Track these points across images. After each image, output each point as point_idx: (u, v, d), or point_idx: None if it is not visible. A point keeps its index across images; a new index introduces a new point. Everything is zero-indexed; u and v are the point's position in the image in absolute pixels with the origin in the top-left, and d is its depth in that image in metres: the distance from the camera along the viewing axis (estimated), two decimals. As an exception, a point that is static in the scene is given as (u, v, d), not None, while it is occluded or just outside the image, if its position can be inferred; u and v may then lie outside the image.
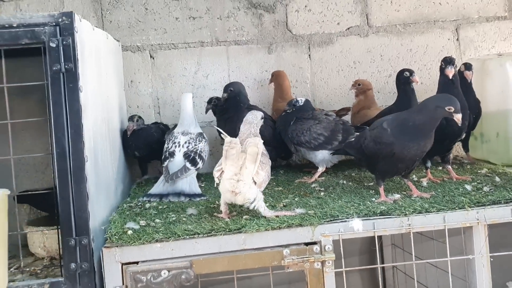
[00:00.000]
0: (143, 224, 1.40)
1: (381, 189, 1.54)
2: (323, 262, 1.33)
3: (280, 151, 2.04)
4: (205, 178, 1.95)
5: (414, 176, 1.78)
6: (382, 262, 2.10)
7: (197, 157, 1.74)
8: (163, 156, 1.78)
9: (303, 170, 2.02)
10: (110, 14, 2.15)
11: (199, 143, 1.79)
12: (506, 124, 1.89)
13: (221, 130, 1.32)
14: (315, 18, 2.24)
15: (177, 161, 1.74)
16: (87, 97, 1.36)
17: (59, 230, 1.29)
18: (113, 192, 1.67)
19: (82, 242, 1.28)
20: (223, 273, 1.35)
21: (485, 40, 2.32)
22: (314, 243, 1.34)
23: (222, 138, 1.74)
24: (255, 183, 1.35)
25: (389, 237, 2.12)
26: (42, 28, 1.29)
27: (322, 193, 1.64)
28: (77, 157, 1.29)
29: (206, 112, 2.02)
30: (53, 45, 1.29)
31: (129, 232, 1.33)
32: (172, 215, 1.48)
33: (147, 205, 1.62)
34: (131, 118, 1.94)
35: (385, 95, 2.26)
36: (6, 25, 1.28)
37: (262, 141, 1.36)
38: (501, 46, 2.32)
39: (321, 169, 1.86)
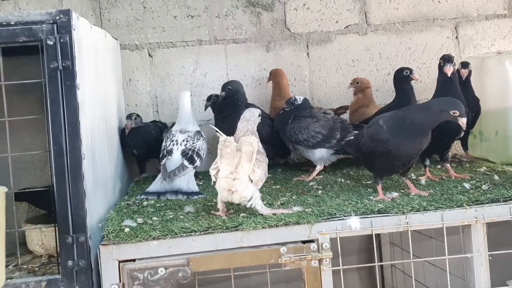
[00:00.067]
0: (140, 222, 1.40)
1: (379, 187, 1.54)
2: (320, 260, 1.33)
3: (278, 150, 2.03)
4: (203, 176, 1.95)
5: (412, 174, 1.78)
6: (381, 261, 2.10)
7: (194, 155, 1.74)
8: (161, 154, 1.78)
9: (301, 169, 2.02)
10: (109, 13, 2.15)
11: (197, 141, 1.79)
12: (505, 122, 1.89)
13: (216, 129, 1.32)
14: (313, 16, 2.23)
15: (175, 159, 1.74)
16: (85, 95, 1.36)
17: (56, 227, 1.29)
18: (111, 190, 1.67)
19: (79, 239, 1.28)
20: (220, 271, 1.35)
21: (484, 38, 2.31)
22: (312, 241, 1.34)
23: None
24: (252, 181, 1.35)
25: (388, 235, 2.12)
26: (39, 26, 1.29)
27: (319, 191, 1.63)
28: (74, 154, 1.29)
29: (205, 109, 2.02)
30: (50, 43, 1.29)
31: (126, 229, 1.33)
32: (170, 213, 1.48)
33: (145, 203, 1.62)
34: (129, 116, 1.94)
35: (383, 93, 2.25)
36: (4, 23, 1.28)
37: (258, 139, 1.36)
38: (501, 44, 2.31)
39: (319, 168, 1.86)
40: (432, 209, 1.40)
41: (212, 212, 1.46)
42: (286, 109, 1.94)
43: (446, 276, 1.42)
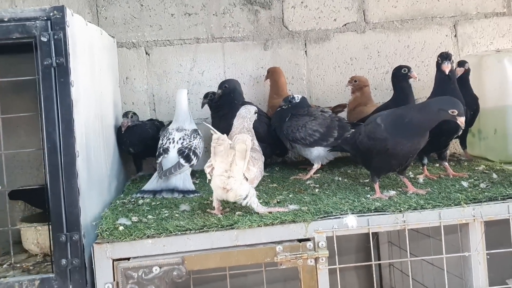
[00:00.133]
0: (135, 220, 1.39)
1: (376, 186, 1.52)
2: (316, 259, 1.32)
3: (275, 148, 2.02)
4: (200, 174, 1.94)
5: (410, 173, 1.77)
6: (379, 260, 2.09)
7: (191, 154, 1.73)
8: (157, 152, 1.77)
9: (298, 167, 2.01)
10: (106, 11, 2.14)
11: (194, 140, 1.78)
12: (504, 121, 1.88)
13: (210, 127, 1.30)
14: (311, 14, 2.22)
15: (171, 157, 1.73)
16: (79, 92, 1.35)
17: (50, 225, 1.28)
18: (107, 189, 1.66)
19: (73, 238, 1.27)
20: (216, 269, 1.34)
21: (483, 37, 2.30)
22: (308, 239, 1.33)
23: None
24: (247, 179, 1.33)
25: (386, 235, 2.11)
26: (33, 23, 1.28)
27: (316, 190, 1.62)
28: (68, 152, 1.28)
29: (202, 106, 2.00)
30: (44, 39, 1.28)
31: (121, 228, 1.32)
32: (165, 211, 1.47)
33: (140, 201, 1.61)
34: (125, 114, 1.93)
35: (382, 92, 2.24)
36: (-3, 20, 1.27)
37: (254, 137, 1.35)
38: (500, 43, 2.30)
39: (316, 166, 1.85)
40: (429, 208, 1.39)
41: (208, 210, 1.44)
42: (283, 107, 1.93)
43: (444, 275, 1.41)
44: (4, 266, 1.47)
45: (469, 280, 1.43)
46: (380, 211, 1.38)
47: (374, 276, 1.48)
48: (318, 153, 1.85)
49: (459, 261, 1.46)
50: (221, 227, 1.31)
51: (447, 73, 1.68)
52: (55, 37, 1.28)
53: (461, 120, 1.42)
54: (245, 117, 1.46)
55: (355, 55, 2.25)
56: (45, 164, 1.28)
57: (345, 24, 2.24)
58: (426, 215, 1.38)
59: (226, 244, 1.30)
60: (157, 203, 1.58)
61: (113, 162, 1.81)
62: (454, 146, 2.18)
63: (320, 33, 2.23)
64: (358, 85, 2.11)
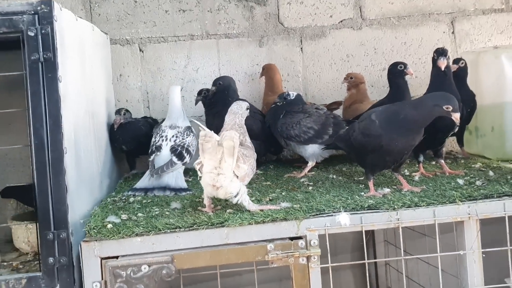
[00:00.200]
0: (125, 218, 1.37)
1: (371, 183, 1.50)
2: (308, 257, 1.30)
3: (269, 146, 2.00)
4: (194, 172, 1.91)
5: (406, 170, 1.74)
6: (375, 259, 2.06)
7: (184, 152, 1.71)
8: (149, 150, 1.75)
9: (293, 165, 1.99)
10: (99, 7, 2.12)
11: (187, 137, 1.76)
12: (502, 118, 1.85)
13: (199, 123, 1.28)
14: (307, 11, 2.20)
15: (163, 155, 1.71)
16: (67, 88, 1.33)
17: (37, 223, 1.26)
18: (98, 187, 1.64)
19: (61, 236, 1.25)
20: (206, 268, 1.32)
21: (481, 33, 2.27)
22: (299, 237, 1.31)
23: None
24: (237, 176, 1.31)
25: (382, 234, 2.09)
26: (20, 17, 1.26)
27: (310, 188, 1.60)
28: (56, 148, 1.26)
29: (196, 103, 1.98)
30: (31, 34, 1.26)
31: (109, 226, 1.30)
32: (156, 209, 1.45)
33: (131, 199, 1.59)
34: (118, 112, 1.91)
35: (378, 89, 2.22)
36: (-16, 14, 1.25)
37: (247, 133, 1.33)
38: (498, 39, 2.27)
39: (311, 164, 1.83)
40: (423, 205, 1.36)
41: (199, 208, 1.42)
42: (278, 103, 1.91)
43: (439, 274, 1.39)
44: (-7, 264, 1.45)
45: (464, 279, 1.40)
46: (374, 209, 1.36)
47: (367, 274, 1.46)
48: (312, 151, 1.83)
49: (455, 260, 1.43)
50: (211, 225, 1.29)
51: (443, 69, 1.65)
52: (43, 31, 1.26)
53: (456, 116, 1.40)
54: (237, 113, 1.43)
55: (352, 52, 2.22)
56: (32, 160, 1.26)
57: (341, 21, 2.22)
58: (420, 213, 1.36)
59: (216, 242, 1.28)
60: (148, 201, 1.56)
61: (105, 160, 1.79)
62: (451, 143, 2.16)
63: (316, 29, 2.21)
64: (354, 82, 2.09)
